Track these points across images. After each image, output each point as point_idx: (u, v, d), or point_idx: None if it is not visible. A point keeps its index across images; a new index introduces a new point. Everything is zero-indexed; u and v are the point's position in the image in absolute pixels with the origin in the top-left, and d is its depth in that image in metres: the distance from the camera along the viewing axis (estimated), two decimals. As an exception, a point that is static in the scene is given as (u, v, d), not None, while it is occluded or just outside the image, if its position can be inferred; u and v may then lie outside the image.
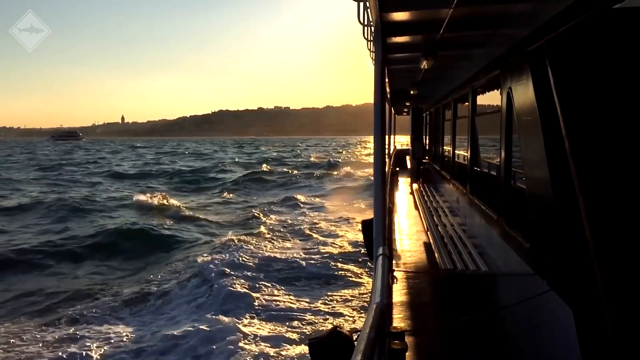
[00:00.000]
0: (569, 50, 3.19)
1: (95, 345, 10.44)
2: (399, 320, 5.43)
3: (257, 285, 13.76)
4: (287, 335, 10.52)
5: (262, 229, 21.45)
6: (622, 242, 2.72)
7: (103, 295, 13.85)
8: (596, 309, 2.64)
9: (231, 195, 35.93)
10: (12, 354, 10.13)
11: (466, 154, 7.89)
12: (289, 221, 23.82)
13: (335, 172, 51.14)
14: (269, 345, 10.03)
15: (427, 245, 8.48)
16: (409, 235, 9.75)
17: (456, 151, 9.86)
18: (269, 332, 10.77)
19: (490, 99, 6.11)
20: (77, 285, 14.88)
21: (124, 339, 10.83)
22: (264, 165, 61.63)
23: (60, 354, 10.07)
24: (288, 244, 19.11)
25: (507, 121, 4.96)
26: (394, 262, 7.57)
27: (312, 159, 76.06)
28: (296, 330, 10.88)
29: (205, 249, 18.23)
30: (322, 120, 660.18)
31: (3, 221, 24.33)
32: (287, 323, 11.30)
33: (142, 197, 30.66)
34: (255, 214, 24.82)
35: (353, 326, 10.01)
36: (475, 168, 7.48)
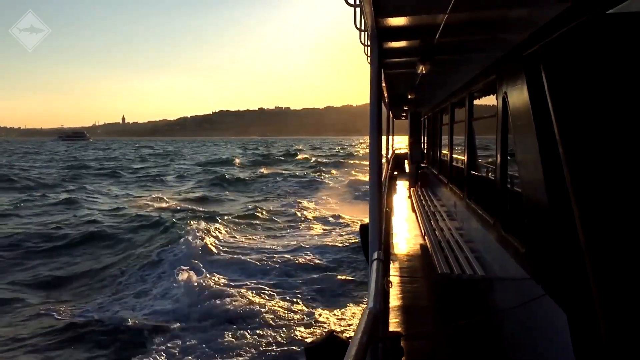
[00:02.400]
0: (563, 55, 3.20)
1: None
2: (395, 324, 5.43)
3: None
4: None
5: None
6: (616, 247, 2.73)
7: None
8: (590, 314, 2.64)
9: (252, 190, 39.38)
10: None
11: (463, 158, 7.90)
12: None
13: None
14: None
15: (424, 249, 8.48)
16: (407, 239, 9.75)
17: (454, 155, 9.89)
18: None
19: (492, 99, 6.13)
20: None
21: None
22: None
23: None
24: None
25: (503, 126, 4.98)
26: (391, 266, 7.57)
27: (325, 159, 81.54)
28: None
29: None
30: (323, 120, 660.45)
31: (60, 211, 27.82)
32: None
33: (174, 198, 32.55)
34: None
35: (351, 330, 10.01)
36: (473, 172, 7.49)
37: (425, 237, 8.11)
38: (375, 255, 3.72)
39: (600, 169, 2.88)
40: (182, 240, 18.12)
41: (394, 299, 6.18)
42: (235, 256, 16.57)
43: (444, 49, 4.99)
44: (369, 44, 4.55)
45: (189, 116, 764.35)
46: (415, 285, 6.95)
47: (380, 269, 3.52)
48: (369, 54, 4.63)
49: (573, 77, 3.10)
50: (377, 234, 4.07)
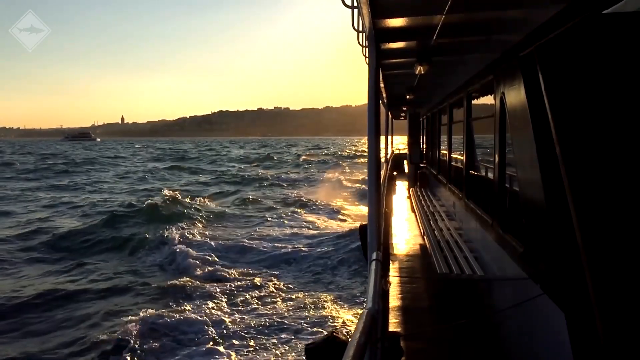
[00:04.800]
0: (560, 55, 3.21)
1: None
2: (395, 324, 5.44)
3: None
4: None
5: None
6: (613, 246, 2.74)
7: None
8: (588, 313, 2.66)
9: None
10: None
11: (462, 158, 7.92)
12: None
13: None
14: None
15: (423, 250, 8.50)
16: (406, 240, 9.76)
17: (452, 155, 9.90)
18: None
19: (490, 99, 6.15)
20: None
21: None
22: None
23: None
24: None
25: (501, 126, 4.99)
26: (390, 266, 7.59)
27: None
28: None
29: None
30: (322, 121, 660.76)
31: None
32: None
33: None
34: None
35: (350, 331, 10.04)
36: (471, 172, 7.51)
37: (425, 237, 8.12)
38: (374, 256, 3.74)
39: (597, 168, 2.89)
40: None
41: (394, 299, 6.20)
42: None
43: (441, 49, 5.00)
44: (367, 45, 4.57)
45: (188, 116, 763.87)
46: (415, 285, 6.97)
47: (379, 270, 3.53)
48: (367, 55, 4.64)
49: (570, 77, 3.11)
50: (376, 235, 4.09)
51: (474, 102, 7.48)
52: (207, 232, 21.44)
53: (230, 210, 28.10)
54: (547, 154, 3.27)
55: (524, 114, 3.75)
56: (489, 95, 5.91)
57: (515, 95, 4.09)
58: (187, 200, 29.72)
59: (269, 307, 12.35)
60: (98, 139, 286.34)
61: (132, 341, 10.24)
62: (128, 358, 9.67)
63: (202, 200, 31.40)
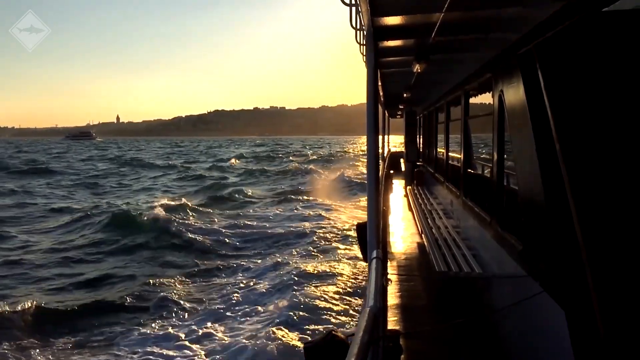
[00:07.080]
0: (559, 53, 3.21)
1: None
2: (393, 322, 5.44)
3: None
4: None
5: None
6: (613, 244, 2.74)
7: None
8: (588, 311, 2.66)
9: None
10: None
11: (459, 157, 7.92)
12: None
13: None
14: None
15: (421, 248, 8.50)
16: (404, 238, 9.76)
17: (449, 154, 9.91)
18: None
19: (488, 97, 6.15)
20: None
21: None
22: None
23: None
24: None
25: (500, 124, 4.99)
26: (388, 264, 7.59)
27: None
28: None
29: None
30: (318, 120, 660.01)
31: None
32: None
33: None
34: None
35: (349, 330, 10.06)
36: (469, 170, 7.51)
37: (422, 235, 8.12)
38: (374, 254, 3.72)
39: (597, 166, 2.90)
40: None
41: (392, 297, 6.19)
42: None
43: (439, 48, 5.00)
44: (364, 43, 4.56)
45: (183, 115, 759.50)
46: (413, 283, 6.97)
47: (380, 268, 3.52)
48: (364, 53, 4.64)
49: (569, 74, 3.11)
50: (375, 232, 4.08)
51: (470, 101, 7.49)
52: (224, 218, 25.70)
53: (237, 202, 32.40)
54: (547, 151, 3.27)
55: (523, 112, 3.75)
56: (487, 94, 5.91)
57: (514, 93, 4.09)
58: (196, 197, 34.00)
59: (296, 260, 16.37)
60: (98, 138, 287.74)
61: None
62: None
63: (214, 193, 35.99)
